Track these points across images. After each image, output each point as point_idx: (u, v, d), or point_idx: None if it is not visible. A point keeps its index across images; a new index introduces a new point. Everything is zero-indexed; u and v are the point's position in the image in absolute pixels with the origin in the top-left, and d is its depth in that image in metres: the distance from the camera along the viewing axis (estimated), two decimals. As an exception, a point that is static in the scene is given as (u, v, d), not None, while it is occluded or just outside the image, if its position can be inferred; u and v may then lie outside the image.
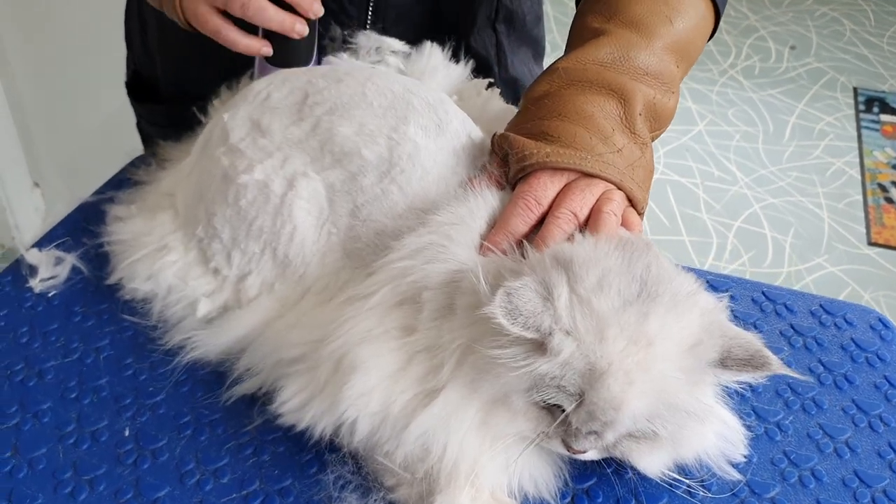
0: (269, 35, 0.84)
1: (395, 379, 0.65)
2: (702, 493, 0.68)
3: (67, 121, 2.24)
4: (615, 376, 0.59)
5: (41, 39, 2.10)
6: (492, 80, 0.89)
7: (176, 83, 1.07)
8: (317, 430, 0.66)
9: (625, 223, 0.72)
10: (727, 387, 0.71)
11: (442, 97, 0.79)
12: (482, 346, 0.63)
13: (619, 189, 0.73)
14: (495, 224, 0.71)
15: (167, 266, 0.79)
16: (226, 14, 0.83)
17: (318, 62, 0.88)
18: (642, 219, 0.75)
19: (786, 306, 0.86)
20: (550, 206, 0.71)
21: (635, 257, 0.64)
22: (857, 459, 0.72)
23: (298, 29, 0.83)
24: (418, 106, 0.76)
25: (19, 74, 2.15)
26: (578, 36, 0.81)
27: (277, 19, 0.82)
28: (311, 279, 0.74)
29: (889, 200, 2.77)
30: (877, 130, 3.07)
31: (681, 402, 0.62)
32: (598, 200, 0.72)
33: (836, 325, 0.84)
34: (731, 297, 0.87)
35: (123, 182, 0.94)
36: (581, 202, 0.71)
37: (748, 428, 0.72)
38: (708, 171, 2.87)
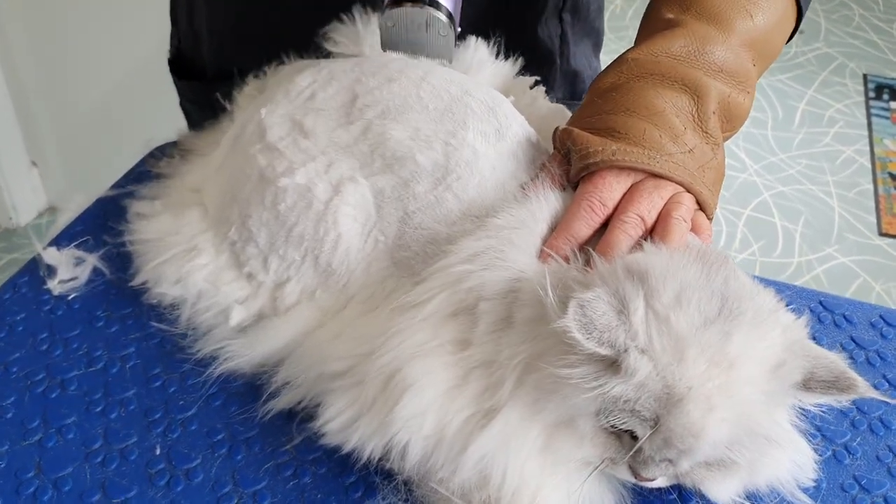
0: None
1: (451, 398, 0.61)
2: (771, 521, 0.64)
3: (66, 99, 2.18)
4: (695, 401, 0.55)
5: (40, 16, 2.03)
6: (538, 78, 0.84)
7: (222, 63, 1.01)
8: (364, 453, 0.62)
9: (694, 228, 0.68)
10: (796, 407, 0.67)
11: (499, 98, 0.74)
12: (547, 363, 0.58)
13: (689, 192, 0.68)
14: (556, 227, 0.67)
15: (197, 269, 0.74)
16: None
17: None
18: (711, 224, 0.71)
19: (845, 317, 0.82)
20: (615, 209, 0.67)
21: (714, 270, 0.60)
22: (932, 485, 0.68)
23: None
24: (477, 109, 0.71)
25: (18, 52, 2.08)
26: (651, 27, 0.76)
27: None
28: (354, 288, 0.70)
29: (900, 190, 2.73)
30: (887, 118, 3.03)
31: (762, 428, 0.58)
32: (666, 204, 0.67)
33: (898, 337, 0.80)
34: (789, 308, 0.83)
35: (144, 175, 0.89)
36: (649, 206, 0.66)
37: (815, 450, 0.68)
38: (717, 158, 2.82)
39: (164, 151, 0.92)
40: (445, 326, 0.63)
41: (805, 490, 0.66)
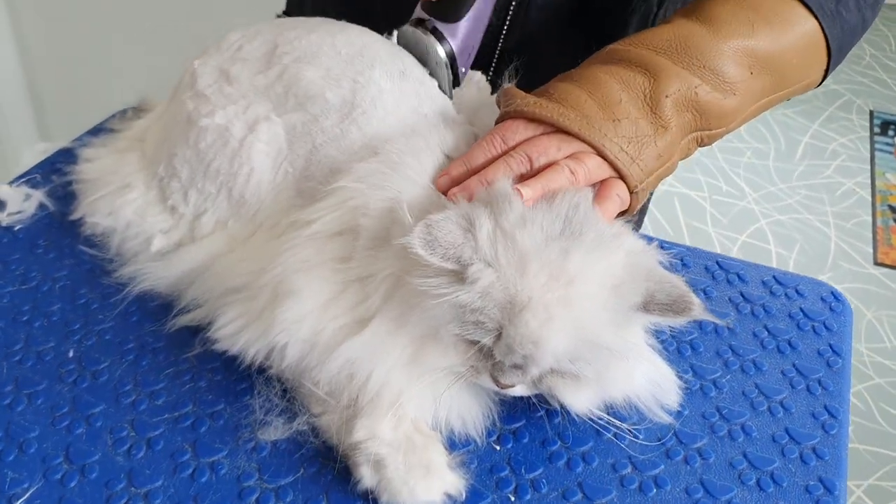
0: None
1: (327, 307, 0.67)
2: (629, 438, 0.69)
3: (75, 72, 2.25)
4: (534, 311, 0.60)
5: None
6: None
7: None
8: (249, 355, 0.68)
9: (602, 191, 0.68)
10: (667, 345, 0.71)
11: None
12: (411, 277, 0.64)
13: (602, 157, 0.68)
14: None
15: (128, 203, 0.81)
16: None
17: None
18: (639, 201, 0.71)
19: (738, 276, 0.87)
20: None
21: (560, 199, 0.65)
22: (790, 418, 0.72)
23: None
24: (384, 54, 0.78)
25: (30, 34, 2.17)
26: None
27: None
28: (263, 216, 0.76)
29: (899, 222, 2.75)
30: (890, 153, 3.05)
31: (603, 341, 0.62)
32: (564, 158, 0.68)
33: (786, 295, 0.85)
34: (684, 264, 0.88)
35: (102, 131, 0.97)
36: (542, 151, 0.68)
37: (684, 383, 0.73)
38: (716, 185, 2.86)
39: (124, 113, 1.00)
40: (330, 244, 0.69)
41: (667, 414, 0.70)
